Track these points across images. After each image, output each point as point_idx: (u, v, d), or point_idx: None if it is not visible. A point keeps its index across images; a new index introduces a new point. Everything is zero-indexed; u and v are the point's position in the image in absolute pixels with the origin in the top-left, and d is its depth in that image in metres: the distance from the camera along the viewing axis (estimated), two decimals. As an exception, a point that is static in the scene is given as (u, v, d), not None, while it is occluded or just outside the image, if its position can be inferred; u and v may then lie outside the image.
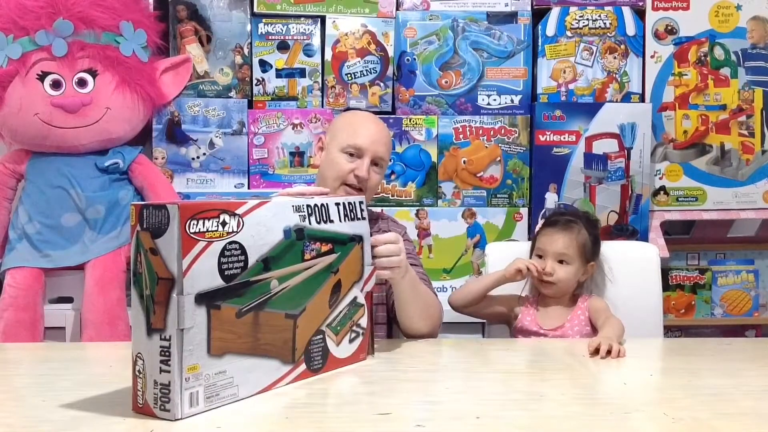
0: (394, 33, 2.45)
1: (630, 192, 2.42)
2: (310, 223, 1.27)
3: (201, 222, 1.07)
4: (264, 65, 2.44)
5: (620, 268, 1.92)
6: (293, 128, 2.42)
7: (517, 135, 2.44)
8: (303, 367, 1.27)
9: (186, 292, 1.05)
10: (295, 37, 2.44)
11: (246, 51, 2.43)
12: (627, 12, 2.45)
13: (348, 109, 2.41)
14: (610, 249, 1.92)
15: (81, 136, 2.21)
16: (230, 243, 1.12)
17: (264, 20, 2.43)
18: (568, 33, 2.45)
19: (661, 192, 2.49)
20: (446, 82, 2.45)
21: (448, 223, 2.42)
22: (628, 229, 2.43)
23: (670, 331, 2.58)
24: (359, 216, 1.40)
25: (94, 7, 2.17)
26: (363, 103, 2.44)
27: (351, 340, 1.38)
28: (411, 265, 1.84)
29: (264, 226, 1.18)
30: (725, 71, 2.48)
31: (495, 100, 2.46)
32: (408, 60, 2.45)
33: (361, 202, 1.41)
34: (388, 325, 1.82)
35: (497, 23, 2.46)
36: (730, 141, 2.48)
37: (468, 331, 2.16)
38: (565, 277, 1.80)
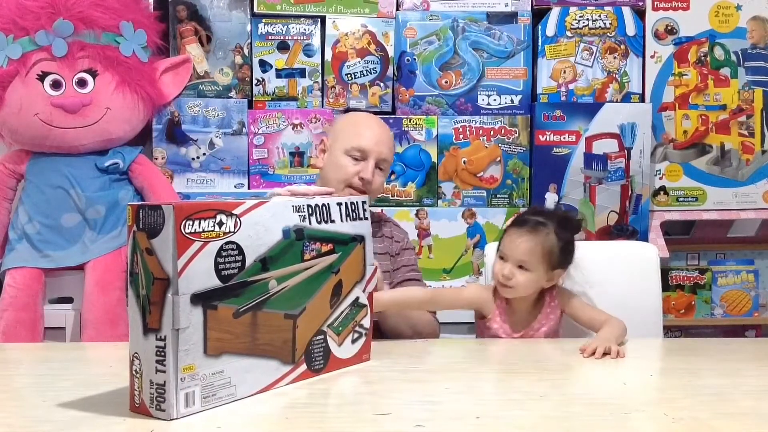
0: (394, 33, 2.44)
1: (630, 192, 2.42)
2: (310, 223, 1.27)
3: (197, 222, 1.07)
4: (264, 65, 2.43)
5: (620, 268, 1.92)
6: (293, 128, 2.42)
7: (517, 135, 2.43)
8: (303, 367, 1.26)
9: (181, 293, 1.05)
10: (295, 37, 2.44)
11: (246, 51, 2.43)
12: (627, 12, 2.45)
13: (348, 109, 2.40)
14: (610, 249, 1.92)
15: (81, 136, 2.21)
16: (227, 243, 1.11)
17: (264, 20, 2.43)
18: (568, 33, 2.45)
19: (661, 192, 2.48)
20: (446, 82, 2.45)
21: (448, 223, 2.42)
22: (628, 229, 2.43)
23: (670, 331, 2.57)
24: (361, 216, 1.39)
25: (94, 8, 2.17)
26: (363, 104, 2.44)
27: (353, 341, 1.37)
28: (410, 279, 1.85)
29: (262, 226, 1.18)
30: (725, 71, 2.47)
31: (495, 100, 2.46)
32: (408, 60, 2.45)
33: (363, 202, 1.40)
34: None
35: (497, 23, 2.46)
36: (730, 141, 2.48)
37: (468, 331, 2.16)
38: (524, 283, 1.66)
